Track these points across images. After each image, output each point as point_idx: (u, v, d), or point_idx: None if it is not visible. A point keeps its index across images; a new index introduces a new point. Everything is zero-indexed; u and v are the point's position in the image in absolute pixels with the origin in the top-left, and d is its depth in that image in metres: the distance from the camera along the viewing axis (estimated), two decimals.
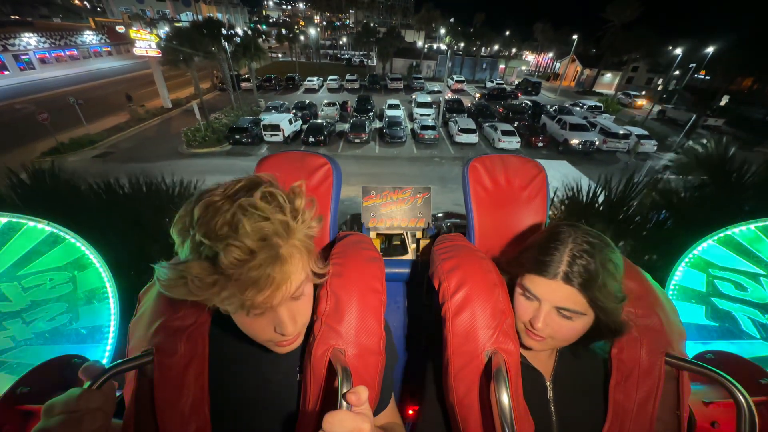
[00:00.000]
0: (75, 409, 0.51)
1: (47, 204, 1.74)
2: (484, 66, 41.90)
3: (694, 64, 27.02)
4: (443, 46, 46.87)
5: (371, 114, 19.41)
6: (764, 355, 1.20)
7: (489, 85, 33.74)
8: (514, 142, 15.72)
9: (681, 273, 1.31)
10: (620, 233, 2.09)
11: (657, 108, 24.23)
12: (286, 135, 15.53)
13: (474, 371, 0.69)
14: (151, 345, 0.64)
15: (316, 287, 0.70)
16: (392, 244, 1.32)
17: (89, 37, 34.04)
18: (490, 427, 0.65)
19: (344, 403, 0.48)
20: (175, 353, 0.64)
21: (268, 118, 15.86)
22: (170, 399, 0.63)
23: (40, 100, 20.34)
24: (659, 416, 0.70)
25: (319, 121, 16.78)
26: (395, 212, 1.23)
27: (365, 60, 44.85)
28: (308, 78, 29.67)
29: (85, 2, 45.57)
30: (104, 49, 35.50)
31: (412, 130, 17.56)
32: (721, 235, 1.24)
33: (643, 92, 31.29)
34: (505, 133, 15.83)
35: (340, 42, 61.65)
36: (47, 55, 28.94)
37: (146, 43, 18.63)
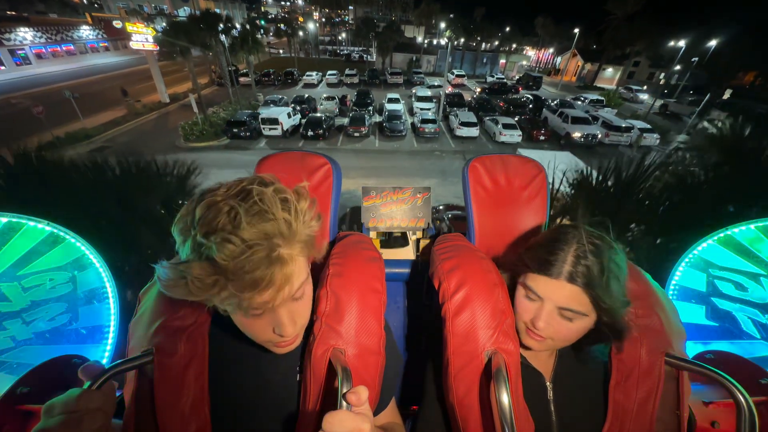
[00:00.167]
0: (75, 410, 0.51)
1: (31, 185, 1.67)
2: (484, 61, 41.58)
3: (696, 58, 26.76)
4: (443, 41, 46.49)
5: (371, 108, 19.27)
6: (764, 355, 1.20)
7: (490, 79, 33.57)
8: (515, 136, 15.56)
9: (681, 273, 1.31)
10: (631, 215, 2.05)
11: (659, 102, 24.07)
12: (285, 129, 15.35)
13: (474, 371, 0.69)
14: (151, 345, 0.64)
15: (315, 287, 0.70)
16: (393, 235, 1.32)
17: (86, 32, 33.69)
18: (490, 427, 0.65)
19: (344, 403, 0.48)
20: (175, 353, 0.64)
21: (266, 112, 15.63)
22: (170, 399, 0.63)
23: (36, 95, 20.20)
24: (659, 416, 0.70)
25: (318, 114, 16.58)
26: (395, 212, 1.23)
27: (364, 55, 44.42)
28: (307, 73, 29.39)
29: None
30: (101, 45, 35.14)
31: (413, 124, 17.42)
32: (721, 235, 1.24)
33: (645, 87, 31.07)
34: (506, 126, 15.68)
35: (339, 38, 61.11)
36: (43, 50, 28.71)
37: (143, 36, 18.43)
